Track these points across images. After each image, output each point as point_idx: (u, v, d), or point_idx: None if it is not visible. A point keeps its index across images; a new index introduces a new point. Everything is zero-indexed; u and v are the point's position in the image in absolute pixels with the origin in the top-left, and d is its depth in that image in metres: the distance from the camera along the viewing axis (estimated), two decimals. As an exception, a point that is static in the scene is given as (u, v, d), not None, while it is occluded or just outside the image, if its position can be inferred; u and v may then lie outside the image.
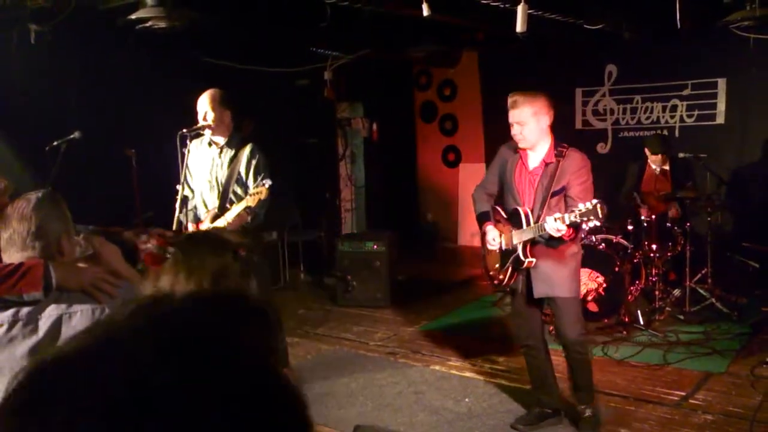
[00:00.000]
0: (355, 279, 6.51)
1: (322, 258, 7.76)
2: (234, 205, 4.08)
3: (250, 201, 3.93)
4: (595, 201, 3.24)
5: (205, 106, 4.17)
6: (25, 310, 1.84)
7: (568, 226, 3.34)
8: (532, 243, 3.63)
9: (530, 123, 3.57)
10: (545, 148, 3.66)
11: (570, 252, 3.68)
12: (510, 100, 3.63)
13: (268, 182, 3.96)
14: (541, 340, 3.93)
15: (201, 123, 4.21)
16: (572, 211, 3.30)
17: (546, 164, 3.64)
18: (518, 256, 3.66)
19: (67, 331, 1.83)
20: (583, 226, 3.40)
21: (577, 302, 3.79)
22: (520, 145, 3.68)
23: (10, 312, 1.83)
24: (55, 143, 4.64)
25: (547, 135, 3.66)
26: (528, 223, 3.60)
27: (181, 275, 1.47)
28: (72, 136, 4.66)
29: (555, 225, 3.33)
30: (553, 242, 3.59)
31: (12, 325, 1.82)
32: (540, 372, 3.97)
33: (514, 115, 3.61)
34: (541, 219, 3.53)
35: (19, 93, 5.18)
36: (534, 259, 3.65)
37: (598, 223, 3.28)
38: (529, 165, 3.72)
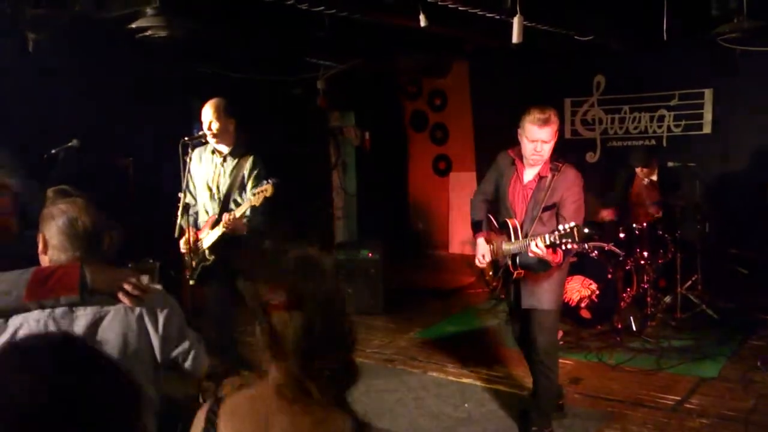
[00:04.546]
0: (349, 287, 6.53)
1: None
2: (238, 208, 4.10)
3: (254, 200, 3.94)
4: (572, 224, 3.20)
5: (209, 115, 4.18)
6: (59, 310, 1.87)
7: (548, 246, 3.31)
8: (520, 256, 3.66)
9: (552, 141, 3.52)
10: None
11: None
12: (542, 116, 3.45)
13: (273, 180, 3.96)
14: None
15: (202, 132, 4.23)
16: (552, 233, 3.28)
17: (540, 177, 3.63)
18: (508, 268, 3.74)
19: (103, 333, 1.86)
20: (563, 248, 3.34)
21: (555, 315, 3.80)
22: (534, 164, 3.62)
23: (46, 312, 1.86)
24: (53, 151, 4.63)
25: None
26: (516, 237, 3.64)
27: (295, 313, 1.42)
28: (70, 144, 4.65)
29: (535, 245, 3.34)
30: (538, 264, 3.58)
31: (47, 324, 1.84)
32: None
33: (542, 133, 3.46)
34: (530, 233, 3.57)
35: (16, 101, 5.16)
36: (522, 271, 3.68)
37: (575, 246, 3.27)
38: (524, 179, 3.72)
